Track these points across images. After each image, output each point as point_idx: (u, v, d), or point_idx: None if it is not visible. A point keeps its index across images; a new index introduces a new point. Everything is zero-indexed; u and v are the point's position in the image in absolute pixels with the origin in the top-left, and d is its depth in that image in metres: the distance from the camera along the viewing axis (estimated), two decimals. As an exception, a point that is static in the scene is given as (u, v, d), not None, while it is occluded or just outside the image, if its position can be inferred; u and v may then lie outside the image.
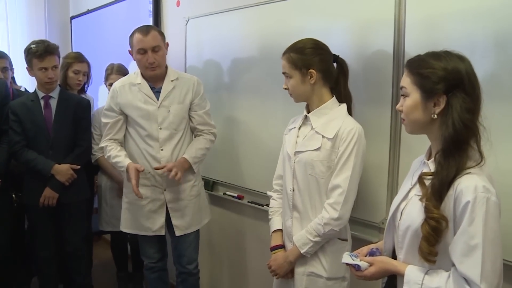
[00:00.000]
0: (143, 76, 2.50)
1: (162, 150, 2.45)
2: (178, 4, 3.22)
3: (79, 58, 3.19)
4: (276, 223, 2.06)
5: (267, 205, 2.43)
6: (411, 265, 1.32)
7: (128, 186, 2.54)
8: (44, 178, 2.69)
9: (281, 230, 2.04)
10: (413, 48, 1.78)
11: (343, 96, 1.92)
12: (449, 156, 1.24)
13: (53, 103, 2.76)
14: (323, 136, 1.84)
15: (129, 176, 2.37)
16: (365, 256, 1.48)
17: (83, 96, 3.21)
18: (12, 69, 3.16)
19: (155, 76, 2.47)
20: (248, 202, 2.73)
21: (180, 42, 3.12)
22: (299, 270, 1.92)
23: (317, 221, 1.83)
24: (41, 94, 2.75)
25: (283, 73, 1.90)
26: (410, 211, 1.34)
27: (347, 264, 1.46)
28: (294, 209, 1.93)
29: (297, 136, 1.93)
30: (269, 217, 2.11)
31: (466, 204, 1.18)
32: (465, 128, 1.23)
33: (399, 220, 1.38)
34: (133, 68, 3.21)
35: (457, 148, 1.24)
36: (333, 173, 1.82)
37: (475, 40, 1.61)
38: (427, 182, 1.30)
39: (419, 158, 1.47)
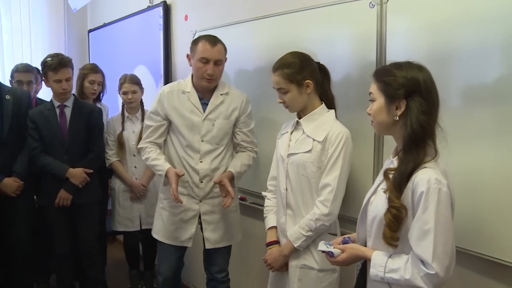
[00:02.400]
0: (193, 85, 2.45)
1: (201, 162, 2.42)
2: (186, 18, 3.41)
3: (94, 69, 3.38)
4: (271, 220, 2.18)
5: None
6: (377, 250, 1.48)
7: (164, 191, 2.52)
8: (60, 180, 2.87)
9: (275, 227, 2.16)
10: (394, 57, 1.91)
11: (329, 98, 2.06)
12: (408, 152, 1.40)
13: (68, 111, 2.93)
14: (313, 139, 1.96)
15: (167, 181, 2.34)
16: (339, 244, 1.61)
17: (98, 104, 3.39)
18: (38, 82, 3.37)
19: (207, 88, 2.41)
20: (250, 203, 2.86)
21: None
22: (293, 263, 2.03)
23: (309, 217, 1.95)
24: (56, 103, 2.93)
25: (278, 88, 2.01)
26: (376, 203, 1.50)
27: (322, 251, 1.60)
28: (288, 207, 2.05)
29: (290, 140, 2.06)
30: (264, 215, 2.23)
31: (421, 194, 1.34)
32: (421, 128, 1.39)
33: (369, 211, 1.54)
34: (145, 78, 3.43)
35: (415, 145, 1.39)
36: (323, 173, 1.95)
37: (442, 52, 1.77)
38: (391, 176, 1.45)
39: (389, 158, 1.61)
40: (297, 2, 2.42)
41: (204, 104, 2.43)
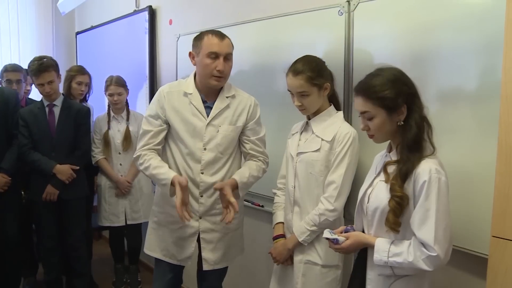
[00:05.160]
0: (196, 86, 2.20)
1: (202, 173, 2.16)
2: (170, 22, 3.54)
3: (81, 70, 3.49)
4: (279, 216, 2.21)
5: (259, 204, 2.67)
6: (380, 237, 1.57)
7: (159, 204, 2.28)
8: (48, 176, 2.97)
9: (282, 223, 2.19)
10: (360, 60, 2.11)
11: (337, 99, 2.13)
12: (414, 150, 1.51)
13: (57, 110, 3.04)
14: (322, 139, 2.01)
15: (173, 191, 2.05)
16: (341, 233, 1.68)
17: (84, 104, 3.48)
18: (27, 83, 3.47)
19: (216, 87, 2.17)
20: (244, 200, 2.82)
21: (172, 56, 3.44)
22: (297, 259, 2.07)
23: (314, 212, 1.99)
24: (46, 102, 3.03)
25: (300, 92, 1.99)
26: (377, 194, 1.59)
27: (327, 238, 1.67)
28: (295, 204, 2.09)
29: (299, 140, 2.11)
30: (273, 211, 2.26)
31: (423, 184, 1.46)
32: (425, 123, 1.53)
33: (367, 203, 1.63)
34: (131, 80, 3.55)
35: (419, 141, 1.52)
36: (330, 171, 2.00)
37: (405, 56, 1.94)
38: (390, 169, 1.57)
39: (380, 153, 1.73)
40: (275, 8, 2.57)
41: (208, 108, 2.18)
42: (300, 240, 2.03)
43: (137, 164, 2.23)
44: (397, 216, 1.49)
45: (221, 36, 2.11)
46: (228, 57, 2.12)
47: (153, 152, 2.17)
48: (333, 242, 1.66)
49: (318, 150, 2.01)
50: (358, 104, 1.58)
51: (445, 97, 1.83)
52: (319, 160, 2.01)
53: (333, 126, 2.02)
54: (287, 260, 2.11)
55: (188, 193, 2.07)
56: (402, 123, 1.54)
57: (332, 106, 2.09)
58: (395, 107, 1.52)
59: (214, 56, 2.08)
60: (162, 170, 2.10)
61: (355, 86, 1.63)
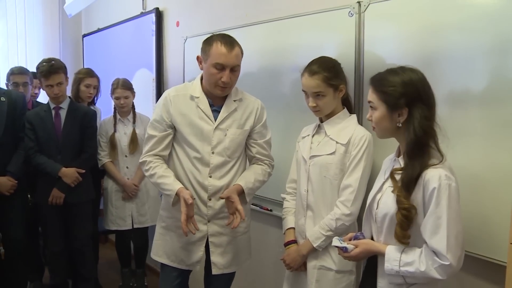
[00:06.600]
0: (202, 89, 2.17)
1: (210, 177, 2.14)
2: (177, 24, 3.52)
3: (90, 73, 3.49)
4: (289, 222, 2.17)
5: (267, 208, 2.64)
6: (390, 245, 1.53)
7: (167, 209, 2.24)
8: (54, 180, 2.96)
9: (293, 228, 2.15)
10: (370, 62, 2.07)
11: (350, 103, 2.10)
12: (413, 157, 1.48)
13: (63, 113, 3.03)
14: (337, 142, 1.98)
15: (177, 200, 2.07)
16: (350, 240, 1.65)
17: (92, 107, 3.49)
18: (34, 86, 3.48)
19: (219, 96, 2.15)
20: (252, 205, 2.77)
21: (179, 58, 3.41)
22: (311, 264, 2.03)
23: (330, 217, 1.96)
24: (52, 105, 3.03)
25: (315, 92, 1.96)
26: (386, 200, 1.56)
27: (336, 246, 1.64)
28: (308, 209, 2.05)
29: (311, 143, 2.06)
30: (283, 216, 2.22)
31: (433, 190, 1.42)
32: (425, 133, 1.47)
33: (376, 209, 1.60)
34: (138, 83, 3.53)
35: (419, 150, 1.47)
36: (345, 174, 1.96)
37: (416, 57, 1.89)
38: (397, 176, 1.53)
39: (389, 157, 1.69)
40: (283, 10, 2.54)
41: (215, 111, 2.16)
42: (315, 245, 1.99)
43: (142, 170, 2.23)
44: (405, 229, 1.46)
45: (231, 45, 2.04)
46: (235, 69, 2.07)
47: (159, 159, 2.17)
48: (342, 250, 1.63)
49: (333, 153, 1.98)
50: (369, 93, 1.58)
51: (457, 99, 1.79)
52: (334, 163, 1.97)
53: (348, 129, 1.99)
54: (301, 266, 2.08)
55: (193, 206, 2.05)
56: (401, 125, 1.51)
57: (345, 109, 2.06)
58: (395, 106, 1.50)
59: (221, 67, 2.03)
60: (167, 181, 2.10)
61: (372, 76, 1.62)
